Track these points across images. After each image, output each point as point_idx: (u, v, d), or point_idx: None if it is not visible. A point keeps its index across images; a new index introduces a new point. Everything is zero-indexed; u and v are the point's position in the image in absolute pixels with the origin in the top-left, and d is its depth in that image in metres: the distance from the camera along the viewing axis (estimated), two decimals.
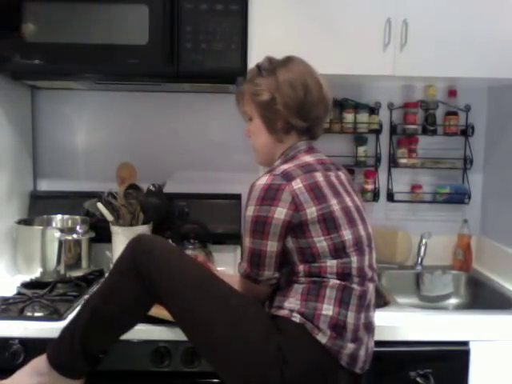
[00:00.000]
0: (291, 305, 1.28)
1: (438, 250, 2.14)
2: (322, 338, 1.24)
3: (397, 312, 1.63)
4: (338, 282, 1.28)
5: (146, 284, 1.30)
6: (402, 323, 1.53)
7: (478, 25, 1.77)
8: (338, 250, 1.28)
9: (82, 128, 2.13)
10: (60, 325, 1.48)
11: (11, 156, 1.92)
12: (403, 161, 2.14)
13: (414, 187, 2.17)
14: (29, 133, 2.08)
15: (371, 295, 1.36)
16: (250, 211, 1.30)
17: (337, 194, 1.33)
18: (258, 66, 1.45)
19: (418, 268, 2.10)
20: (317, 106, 1.39)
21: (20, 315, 1.52)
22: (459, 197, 2.15)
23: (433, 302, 2.04)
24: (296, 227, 1.28)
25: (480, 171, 2.18)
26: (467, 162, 2.15)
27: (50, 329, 1.47)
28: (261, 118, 1.42)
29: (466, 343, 1.54)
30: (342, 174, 1.43)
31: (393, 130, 2.14)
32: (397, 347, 1.37)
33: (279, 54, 1.71)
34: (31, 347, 1.46)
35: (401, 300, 1.78)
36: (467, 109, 2.14)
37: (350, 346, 1.26)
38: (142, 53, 1.68)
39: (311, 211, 1.27)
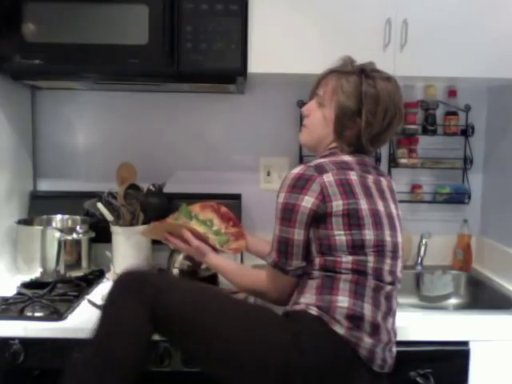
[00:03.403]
0: (307, 300, 1.29)
1: (438, 250, 2.14)
2: (340, 329, 1.24)
3: (397, 312, 1.62)
4: (351, 275, 1.28)
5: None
6: (402, 323, 1.53)
7: (477, 25, 1.77)
8: (356, 247, 1.28)
9: (82, 128, 2.13)
10: (60, 325, 1.48)
11: (11, 156, 1.92)
12: (403, 161, 2.14)
13: (414, 187, 2.17)
14: (29, 133, 2.08)
15: (394, 300, 1.36)
16: (280, 198, 1.32)
17: (368, 196, 1.33)
18: (362, 66, 1.41)
19: (418, 268, 2.10)
20: (389, 137, 1.43)
21: (20, 315, 1.52)
22: (459, 197, 2.15)
23: (433, 302, 2.04)
24: (320, 218, 1.29)
25: (480, 171, 2.18)
26: (467, 162, 2.15)
27: (50, 329, 1.47)
28: (335, 117, 1.38)
29: (466, 343, 1.54)
30: (384, 181, 1.41)
31: None
32: (397, 347, 1.36)
33: (279, 54, 1.73)
34: (31, 347, 1.46)
35: (401, 300, 1.77)
36: (467, 109, 2.13)
37: (368, 341, 1.26)
38: (142, 53, 1.68)
39: (337, 204, 1.28)
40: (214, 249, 1.57)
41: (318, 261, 1.30)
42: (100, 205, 1.86)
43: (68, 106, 2.11)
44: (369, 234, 1.29)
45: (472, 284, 2.05)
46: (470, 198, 2.14)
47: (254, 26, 1.73)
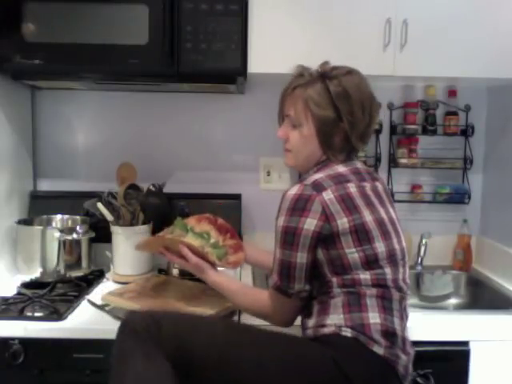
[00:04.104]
0: (335, 321, 1.23)
1: (438, 250, 2.14)
2: (379, 349, 1.20)
3: None
4: (374, 289, 1.24)
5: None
6: None
7: (477, 25, 1.77)
8: (371, 262, 1.25)
9: (82, 128, 2.13)
10: (60, 325, 1.48)
11: (11, 156, 1.92)
12: (403, 161, 2.14)
13: (414, 187, 2.17)
14: (29, 133, 2.08)
15: (408, 311, 1.34)
16: (280, 221, 1.27)
17: (370, 205, 1.29)
18: (320, 69, 1.36)
19: (418, 268, 2.10)
20: (373, 127, 1.39)
21: (20, 315, 1.52)
22: (459, 197, 2.15)
23: (433, 302, 2.04)
24: (327, 238, 1.24)
25: (480, 171, 2.18)
26: (467, 162, 2.15)
27: (50, 329, 1.48)
28: (317, 131, 1.33)
29: (466, 343, 1.54)
30: (380, 185, 1.38)
31: (393, 129, 2.14)
32: None
33: (279, 54, 1.73)
34: (31, 347, 1.46)
35: None
36: (467, 109, 2.13)
37: (404, 358, 1.24)
38: (142, 53, 1.68)
39: (342, 222, 1.24)
40: (213, 264, 1.49)
41: (335, 280, 1.25)
42: (100, 205, 1.86)
43: (68, 105, 2.11)
44: (380, 247, 1.26)
45: (472, 284, 2.05)
46: (469, 198, 2.14)
47: (253, 26, 1.73)
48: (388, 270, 1.27)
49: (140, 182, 1.95)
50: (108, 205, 1.87)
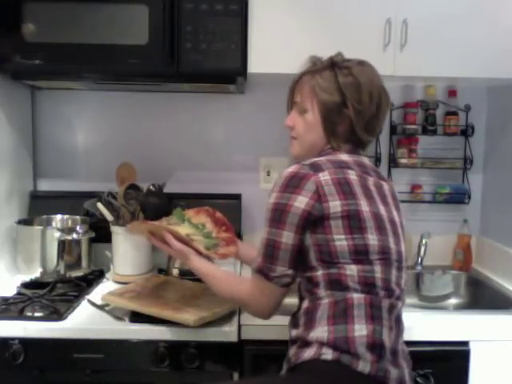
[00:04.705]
0: (318, 334, 1.17)
1: (438, 249, 2.14)
2: (365, 367, 1.13)
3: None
4: (362, 296, 1.17)
5: None
6: None
7: (477, 25, 1.77)
8: (359, 254, 1.18)
9: (82, 128, 2.13)
10: (60, 325, 1.48)
11: (11, 156, 1.92)
12: (403, 161, 2.14)
13: (414, 187, 2.17)
14: (29, 133, 2.08)
15: (402, 319, 1.28)
16: (271, 198, 1.23)
17: (369, 197, 1.23)
18: (331, 59, 1.32)
19: (418, 268, 2.10)
20: (382, 121, 1.34)
21: (20, 315, 1.52)
22: (459, 197, 2.15)
23: (433, 302, 2.04)
24: (316, 221, 1.18)
25: (480, 171, 2.18)
26: (467, 162, 2.15)
27: (50, 329, 1.48)
28: (321, 117, 1.29)
29: (466, 343, 1.54)
30: (386, 185, 1.32)
31: (393, 129, 2.14)
32: None
33: (279, 54, 1.73)
34: (31, 347, 1.46)
35: None
36: (467, 109, 2.13)
37: (395, 371, 1.17)
38: (142, 53, 1.68)
39: (335, 205, 1.18)
40: (198, 252, 1.45)
41: (321, 276, 1.19)
42: (100, 205, 1.86)
43: (68, 105, 2.11)
44: (372, 239, 1.19)
45: (472, 284, 2.05)
46: (469, 198, 2.14)
47: (253, 26, 1.73)
48: (378, 268, 1.20)
49: (140, 182, 1.95)
50: (108, 205, 1.87)
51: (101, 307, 1.60)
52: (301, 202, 1.19)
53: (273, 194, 1.23)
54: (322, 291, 1.19)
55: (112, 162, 1.99)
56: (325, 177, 1.21)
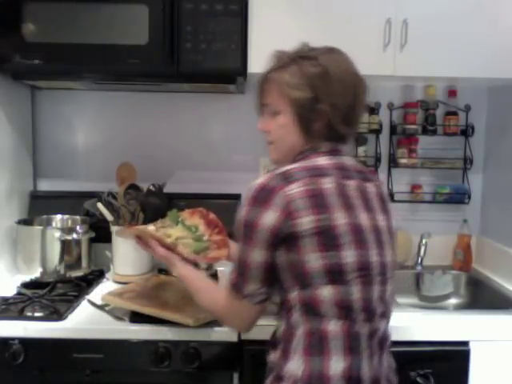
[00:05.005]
0: (293, 367, 1.11)
1: (438, 249, 2.14)
2: None
3: (397, 312, 1.62)
4: (340, 323, 1.10)
5: None
6: (403, 323, 1.53)
7: (477, 25, 1.77)
8: (335, 274, 1.09)
9: (82, 128, 2.13)
10: (60, 325, 1.48)
11: (11, 156, 1.92)
12: (403, 161, 2.14)
13: (414, 187, 2.17)
14: (29, 133, 2.08)
15: (387, 337, 1.20)
16: (241, 212, 1.14)
17: (348, 207, 1.12)
18: (297, 52, 1.23)
19: (418, 268, 2.10)
20: (361, 111, 1.23)
21: (20, 315, 1.52)
22: (459, 197, 2.15)
23: (433, 302, 2.04)
24: (288, 238, 1.10)
25: (480, 171, 2.18)
26: (467, 162, 2.15)
27: (50, 329, 1.48)
28: (295, 117, 1.19)
29: (466, 343, 1.54)
30: (372, 187, 1.21)
31: (393, 130, 2.14)
32: (397, 347, 1.36)
33: None
34: (31, 347, 1.46)
35: (401, 300, 1.78)
36: (467, 109, 2.13)
37: None
38: (142, 53, 1.68)
39: (306, 221, 1.08)
40: (184, 258, 1.41)
41: (296, 298, 1.11)
42: (100, 205, 1.86)
43: (68, 105, 2.11)
44: (349, 256, 1.10)
45: (472, 284, 2.05)
46: (469, 198, 2.14)
47: (253, 26, 1.73)
48: (356, 288, 1.11)
49: (140, 182, 1.95)
50: (108, 205, 1.87)
51: (101, 307, 1.60)
52: (269, 217, 1.10)
53: (242, 208, 1.15)
54: (297, 316, 1.12)
55: (112, 162, 1.99)
56: (296, 189, 1.10)
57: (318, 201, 1.10)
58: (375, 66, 1.75)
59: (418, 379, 1.51)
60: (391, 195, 2.14)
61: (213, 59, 1.69)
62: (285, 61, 1.22)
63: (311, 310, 1.10)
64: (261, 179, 1.14)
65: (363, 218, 1.14)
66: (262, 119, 1.29)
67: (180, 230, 1.56)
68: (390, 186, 2.15)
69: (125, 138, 2.12)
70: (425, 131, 2.13)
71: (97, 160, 2.13)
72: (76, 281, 1.80)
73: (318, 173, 1.14)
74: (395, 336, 1.51)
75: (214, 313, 1.31)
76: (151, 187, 1.94)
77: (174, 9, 1.67)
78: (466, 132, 2.13)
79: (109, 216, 1.86)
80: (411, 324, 1.54)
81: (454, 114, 2.13)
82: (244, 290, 1.16)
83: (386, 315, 1.18)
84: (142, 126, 2.12)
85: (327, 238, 1.09)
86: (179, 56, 1.68)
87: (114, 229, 1.86)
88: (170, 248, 1.44)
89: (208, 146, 2.14)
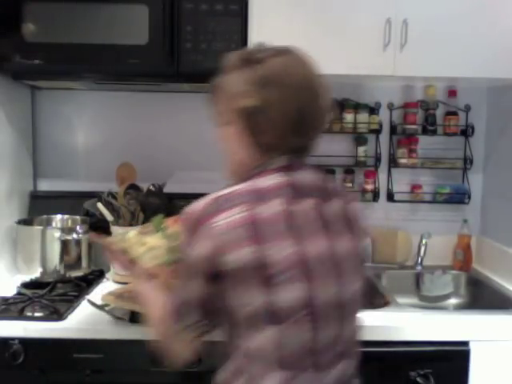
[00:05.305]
0: None
1: (438, 249, 2.14)
2: None
3: (397, 312, 1.63)
4: (284, 375, 0.97)
5: None
6: (402, 323, 1.53)
7: (477, 25, 1.76)
8: (274, 316, 0.96)
9: (82, 128, 2.13)
10: (60, 325, 1.48)
11: (11, 156, 1.92)
12: (403, 161, 2.14)
13: (414, 187, 2.17)
14: (29, 133, 2.08)
15: (350, 380, 1.06)
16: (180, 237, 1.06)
17: (295, 235, 0.98)
18: (246, 54, 1.12)
19: (418, 268, 2.10)
20: (318, 119, 1.08)
21: (20, 315, 1.52)
22: (459, 197, 2.15)
23: (433, 302, 2.04)
24: (219, 275, 0.97)
25: (480, 171, 2.18)
26: (467, 161, 2.15)
27: (50, 329, 1.48)
28: (243, 126, 1.06)
29: (466, 343, 1.54)
30: (335, 205, 1.06)
31: (393, 130, 2.14)
32: (397, 347, 1.36)
33: None
34: (31, 347, 1.46)
35: (401, 300, 1.77)
36: (467, 109, 2.13)
37: None
38: (142, 53, 1.68)
39: (239, 256, 0.95)
40: (147, 271, 1.30)
41: (236, 340, 1.01)
42: (100, 205, 1.86)
43: (68, 105, 2.11)
44: (291, 294, 0.96)
45: (472, 284, 2.05)
46: (469, 198, 2.14)
47: (254, 26, 1.73)
48: (300, 330, 0.97)
49: (140, 182, 1.95)
50: (108, 205, 1.87)
51: (101, 307, 1.59)
52: (198, 251, 0.98)
53: (181, 235, 1.05)
54: (240, 359, 1.02)
55: (112, 162, 1.99)
56: (229, 218, 0.97)
57: (253, 231, 0.96)
58: (375, 65, 1.76)
59: (418, 379, 1.51)
60: (391, 195, 2.14)
61: (213, 59, 1.68)
62: (231, 65, 1.11)
63: (252, 356, 0.99)
64: (195, 205, 1.02)
65: (316, 246, 1.00)
66: (214, 130, 1.17)
67: (158, 238, 1.51)
68: (390, 186, 2.15)
69: (125, 137, 2.12)
70: (425, 131, 2.13)
71: (97, 160, 2.13)
72: (76, 281, 1.80)
73: (259, 197, 1.00)
74: (396, 336, 1.52)
75: (158, 340, 1.14)
76: (151, 187, 1.94)
77: (174, 9, 1.67)
78: (466, 132, 2.13)
79: (109, 216, 1.86)
80: (411, 324, 1.54)
81: (454, 114, 2.13)
82: (178, 325, 1.04)
83: (346, 355, 1.04)
84: (141, 126, 2.12)
85: (263, 275, 0.95)
86: (179, 56, 1.69)
87: (114, 229, 1.86)
88: (133, 262, 1.37)
89: (208, 146, 2.14)
